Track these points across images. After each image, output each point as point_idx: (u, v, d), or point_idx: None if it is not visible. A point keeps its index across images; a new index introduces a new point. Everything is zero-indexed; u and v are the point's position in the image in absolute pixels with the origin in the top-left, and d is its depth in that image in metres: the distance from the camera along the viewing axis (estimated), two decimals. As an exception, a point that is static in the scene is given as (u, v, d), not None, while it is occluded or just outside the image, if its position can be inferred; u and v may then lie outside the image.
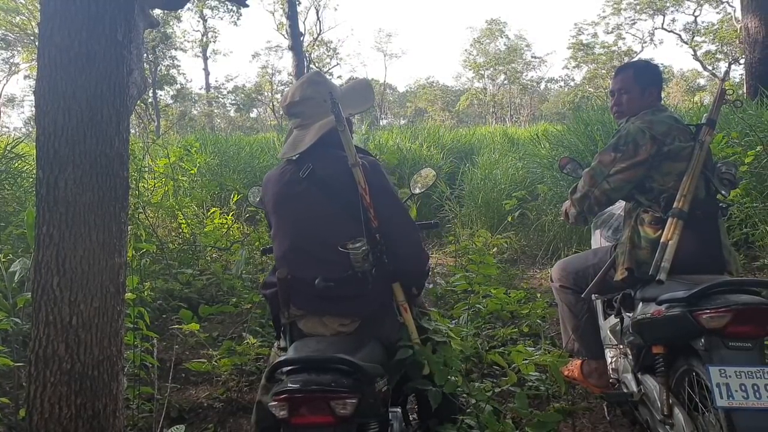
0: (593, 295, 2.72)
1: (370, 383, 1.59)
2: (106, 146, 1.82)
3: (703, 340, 1.89)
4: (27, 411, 1.79)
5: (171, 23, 35.63)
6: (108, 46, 1.81)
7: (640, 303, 2.26)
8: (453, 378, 2.03)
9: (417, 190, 2.62)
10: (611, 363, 2.68)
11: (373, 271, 1.87)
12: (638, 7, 39.31)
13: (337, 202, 1.93)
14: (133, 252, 3.42)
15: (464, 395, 2.37)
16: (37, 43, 1.78)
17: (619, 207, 2.71)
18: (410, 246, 2.00)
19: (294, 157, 2.06)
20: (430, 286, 4.76)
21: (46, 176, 1.77)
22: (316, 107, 2.04)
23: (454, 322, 3.24)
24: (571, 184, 2.66)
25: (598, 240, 2.90)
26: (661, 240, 2.21)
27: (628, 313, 2.39)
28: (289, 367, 1.61)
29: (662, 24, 39.28)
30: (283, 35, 32.22)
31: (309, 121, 2.05)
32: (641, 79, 2.52)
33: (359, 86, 2.24)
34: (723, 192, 2.34)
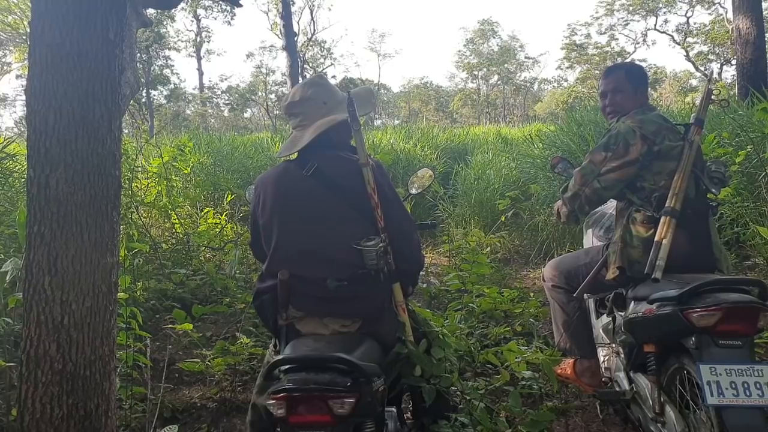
0: (585, 295, 2.73)
1: (368, 383, 1.59)
2: (98, 145, 1.82)
3: (693, 339, 1.90)
4: (18, 411, 1.77)
5: (165, 23, 35.50)
6: (100, 44, 1.81)
7: (632, 302, 2.27)
8: (447, 375, 2.04)
9: (414, 191, 2.62)
10: (604, 362, 2.69)
11: (386, 269, 1.89)
12: (631, 8, 39.53)
13: (345, 200, 1.94)
14: (126, 252, 3.40)
15: (458, 393, 2.38)
16: (29, 43, 1.77)
17: (611, 206, 2.72)
18: (412, 246, 2.05)
19: (293, 156, 2.07)
20: (424, 285, 4.76)
21: (38, 175, 1.76)
22: (315, 108, 2.06)
23: (447, 322, 3.25)
24: (564, 184, 2.67)
25: (590, 239, 2.91)
26: (656, 239, 2.22)
27: (620, 312, 2.40)
28: (287, 366, 1.61)
29: (655, 25, 39.53)
30: (277, 35, 32.17)
31: (307, 122, 2.05)
32: (633, 79, 2.55)
33: (362, 92, 2.27)
34: (713, 190, 2.35)
